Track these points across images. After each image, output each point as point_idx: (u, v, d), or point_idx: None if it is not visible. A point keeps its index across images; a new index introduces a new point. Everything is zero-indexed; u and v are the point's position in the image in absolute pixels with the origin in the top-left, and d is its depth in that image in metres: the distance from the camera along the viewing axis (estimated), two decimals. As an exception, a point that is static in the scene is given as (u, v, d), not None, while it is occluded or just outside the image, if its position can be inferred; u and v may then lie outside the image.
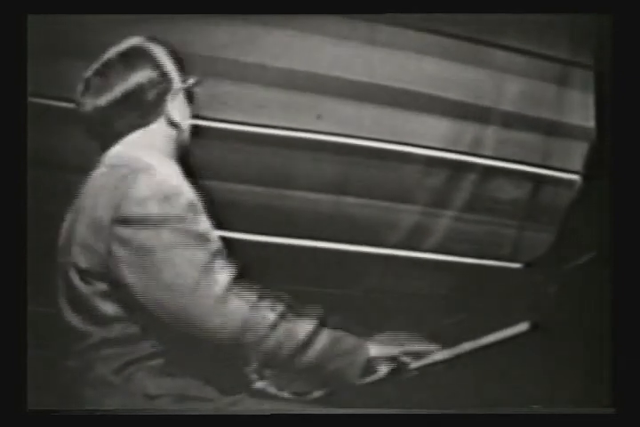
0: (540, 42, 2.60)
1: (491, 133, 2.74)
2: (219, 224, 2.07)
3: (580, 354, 2.03)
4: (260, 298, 1.96)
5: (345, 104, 2.66)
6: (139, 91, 2.05)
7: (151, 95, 2.05)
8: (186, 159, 2.14)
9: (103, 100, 2.04)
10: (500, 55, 2.67)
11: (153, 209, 1.91)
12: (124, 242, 1.90)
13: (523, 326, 1.95)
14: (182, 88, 2.10)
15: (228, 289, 1.91)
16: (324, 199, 2.77)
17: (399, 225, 2.74)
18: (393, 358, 2.04)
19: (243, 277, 1.96)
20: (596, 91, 2.32)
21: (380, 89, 2.67)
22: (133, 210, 1.91)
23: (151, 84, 2.05)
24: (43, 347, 2.33)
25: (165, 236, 1.90)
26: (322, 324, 2.00)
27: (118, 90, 2.04)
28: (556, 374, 1.99)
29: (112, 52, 2.08)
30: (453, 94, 2.70)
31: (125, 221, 1.91)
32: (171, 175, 2.00)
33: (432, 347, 2.09)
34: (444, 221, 2.75)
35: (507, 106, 2.71)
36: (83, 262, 1.94)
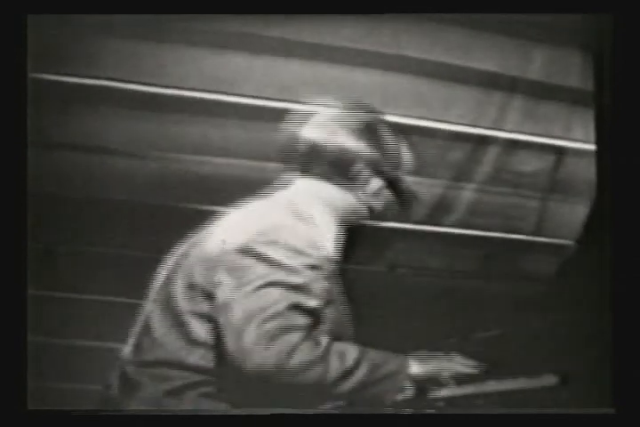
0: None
1: (516, 103, 2.71)
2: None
3: (581, 354, 2.03)
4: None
5: (370, 74, 2.64)
6: (345, 156, 2.03)
7: (356, 166, 2.04)
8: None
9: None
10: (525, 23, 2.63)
11: (280, 257, 1.88)
12: (235, 269, 1.87)
13: (551, 380, 1.93)
14: (397, 187, 2.13)
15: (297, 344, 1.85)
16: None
17: (423, 200, 2.73)
18: (433, 378, 1.99)
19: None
20: (595, 93, 2.33)
21: (405, 59, 2.65)
22: (262, 248, 1.88)
23: (359, 158, 2.04)
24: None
25: (271, 277, 1.86)
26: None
27: (327, 150, 2.02)
28: (555, 374, 1.99)
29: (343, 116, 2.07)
30: (480, 64, 2.68)
31: (247, 252, 1.88)
32: (318, 235, 1.97)
33: (473, 368, 2.01)
34: (468, 195, 2.73)
35: (532, 74, 2.69)
36: (197, 277, 1.91)
